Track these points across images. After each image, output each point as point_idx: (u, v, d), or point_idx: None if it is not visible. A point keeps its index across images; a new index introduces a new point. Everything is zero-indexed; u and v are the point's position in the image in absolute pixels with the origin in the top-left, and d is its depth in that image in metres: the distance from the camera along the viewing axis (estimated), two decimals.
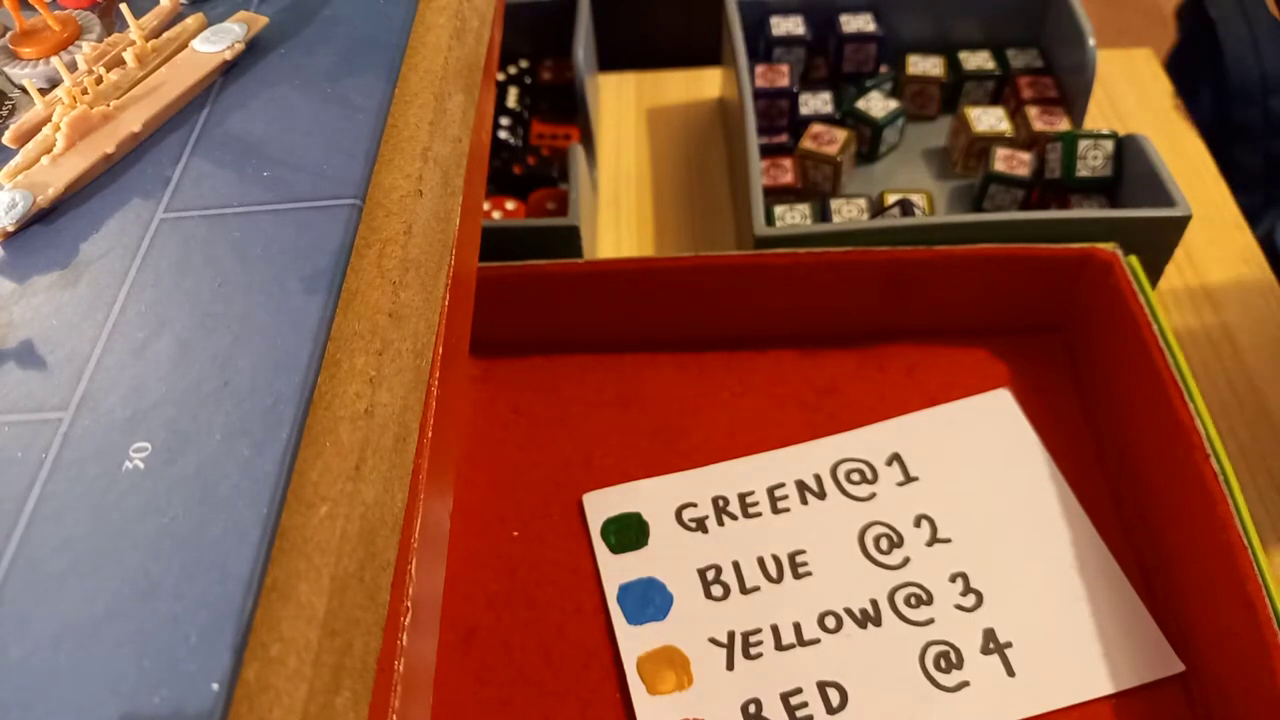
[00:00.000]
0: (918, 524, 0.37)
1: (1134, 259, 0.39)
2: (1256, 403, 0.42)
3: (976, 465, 0.36)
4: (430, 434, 0.25)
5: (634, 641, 0.35)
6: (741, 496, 0.38)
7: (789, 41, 0.51)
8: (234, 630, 0.18)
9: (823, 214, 0.46)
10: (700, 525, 0.37)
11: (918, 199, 0.45)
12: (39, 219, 0.27)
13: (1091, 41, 0.47)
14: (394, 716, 0.21)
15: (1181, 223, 0.40)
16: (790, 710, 0.33)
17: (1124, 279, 0.38)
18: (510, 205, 0.47)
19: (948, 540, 0.36)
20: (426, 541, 0.24)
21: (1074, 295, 0.41)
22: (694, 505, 0.38)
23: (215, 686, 0.18)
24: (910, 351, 0.41)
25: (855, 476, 0.38)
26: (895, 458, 0.39)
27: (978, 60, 0.52)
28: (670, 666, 0.34)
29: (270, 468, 0.20)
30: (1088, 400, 0.36)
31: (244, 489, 0.20)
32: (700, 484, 0.39)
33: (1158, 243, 0.41)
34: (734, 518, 0.38)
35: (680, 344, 0.42)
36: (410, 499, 0.23)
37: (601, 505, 0.38)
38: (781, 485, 0.38)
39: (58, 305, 0.25)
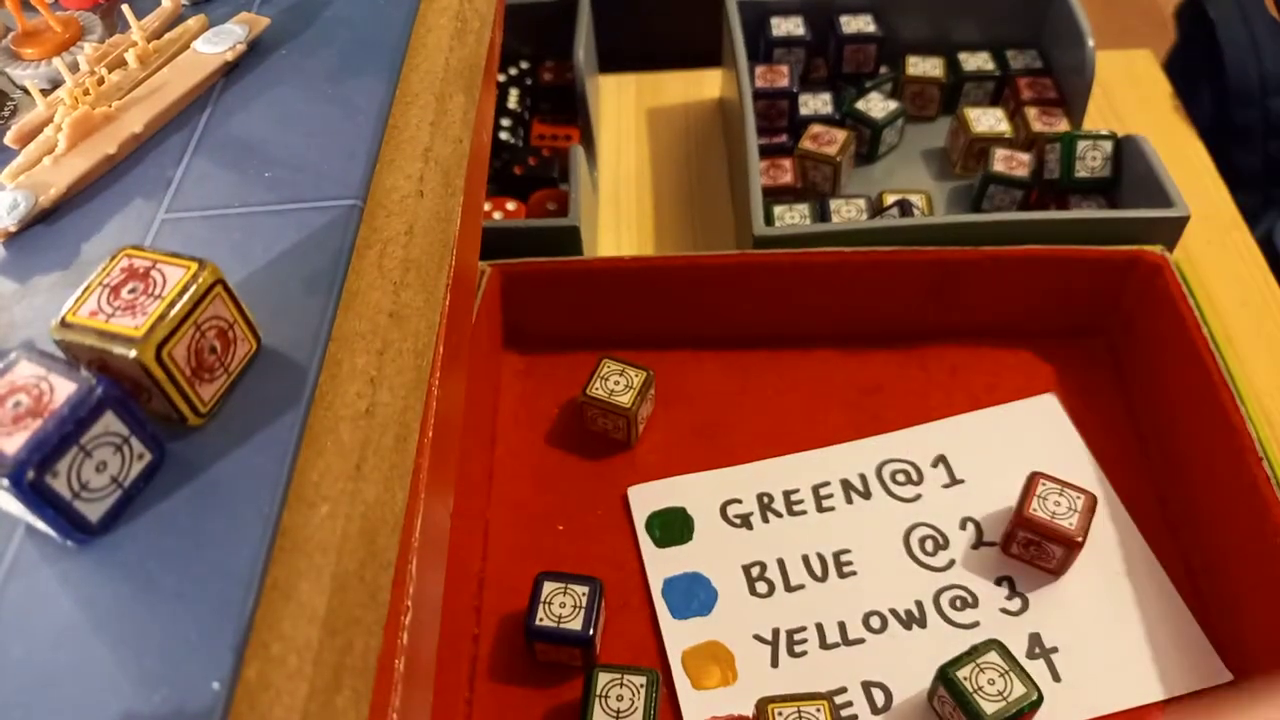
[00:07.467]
0: (963, 526, 0.37)
1: (1180, 261, 0.39)
2: (1255, 402, 0.42)
3: (1022, 469, 0.36)
4: (431, 434, 0.25)
5: (679, 636, 0.35)
6: (786, 494, 0.38)
7: (789, 42, 0.51)
8: (235, 629, 0.18)
9: (822, 214, 0.46)
10: (745, 521, 0.37)
11: (917, 199, 0.46)
12: (41, 219, 0.27)
13: (1090, 42, 0.48)
14: (394, 715, 0.21)
15: (1180, 223, 0.40)
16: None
17: (1173, 281, 0.38)
18: (511, 206, 0.47)
19: (994, 544, 0.36)
20: (427, 541, 0.24)
21: (1120, 297, 0.41)
22: (739, 501, 0.38)
23: (216, 685, 0.18)
24: (954, 353, 0.41)
25: (901, 477, 0.38)
26: (941, 459, 0.39)
27: (977, 61, 0.52)
28: (715, 662, 0.34)
29: (271, 467, 0.20)
30: (1133, 403, 0.36)
31: (245, 488, 0.20)
32: (745, 480, 0.39)
33: (1156, 243, 0.41)
34: (779, 515, 0.37)
35: (724, 341, 0.43)
36: (411, 498, 0.23)
37: (646, 499, 0.38)
38: (826, 484, 0.38)
39: (60, 305, 0.25)
